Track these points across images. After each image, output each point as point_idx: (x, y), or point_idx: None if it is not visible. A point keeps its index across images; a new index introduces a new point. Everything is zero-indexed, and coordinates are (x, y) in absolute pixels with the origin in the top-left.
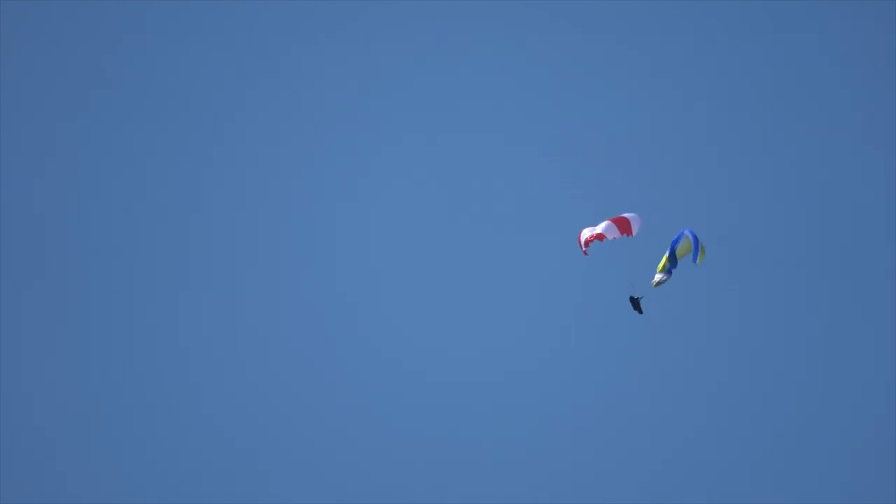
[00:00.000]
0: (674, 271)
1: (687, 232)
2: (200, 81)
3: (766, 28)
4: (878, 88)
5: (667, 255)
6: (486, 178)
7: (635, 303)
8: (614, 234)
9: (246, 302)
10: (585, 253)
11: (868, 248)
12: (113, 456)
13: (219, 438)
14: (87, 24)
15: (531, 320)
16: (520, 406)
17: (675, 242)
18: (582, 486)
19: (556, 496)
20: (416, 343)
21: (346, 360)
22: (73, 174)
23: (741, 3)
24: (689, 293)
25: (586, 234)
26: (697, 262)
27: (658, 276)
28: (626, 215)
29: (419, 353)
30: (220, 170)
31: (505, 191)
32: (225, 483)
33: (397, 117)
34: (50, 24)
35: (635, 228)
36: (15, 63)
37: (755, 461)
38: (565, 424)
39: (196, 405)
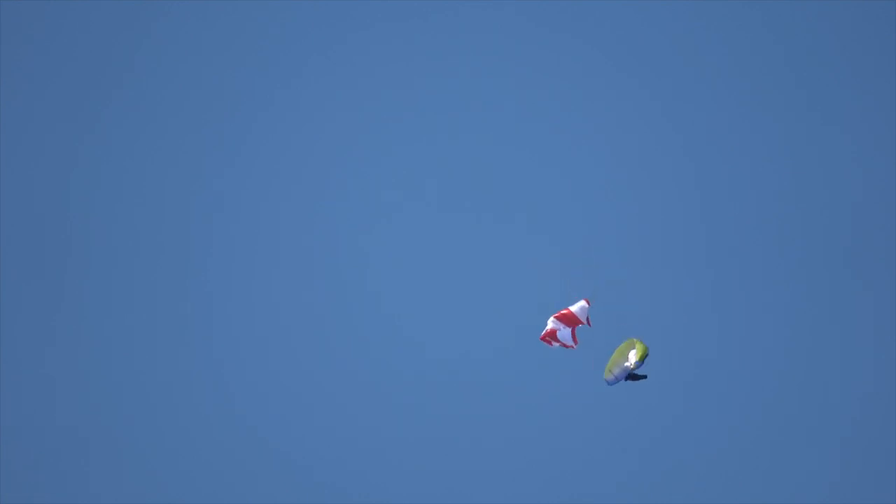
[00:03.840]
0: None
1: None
2: (201, 83)
3: (761, 28)
4: (877, 88)
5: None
6: (491, 181)
7: (634, 377)
8: (562, 326)
9: (249, 302)
10: (568, 344)
11: (866, 247)
12: (115, 456)
13: (221, 439)
14: (86, 25)
15: (533, 318)
16: (521, 405)
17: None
18: (581, 486)
19: (556, 495)
20: (420, 342)
21: (353, 361)
22: (74, 175)
23: (740, 4)
24: (687, 292)
25: (550, 326)
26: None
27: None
28: (571, 309)
29: (424, 352)
30: (224, 170)
31: (510, 191)
32: (227, 483)
33: (402, 118)
34: (50, 25)
35: (583, 317)
36: (16, 64)
37: (751, 459)
38: (564, 423)
39: (199, 405)
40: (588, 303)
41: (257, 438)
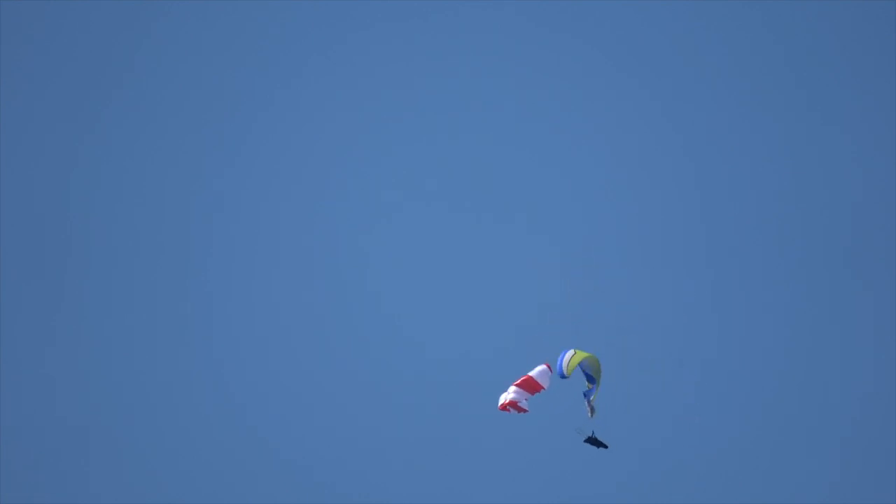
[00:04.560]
0: (593, 386)
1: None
2: (201, 83)
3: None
4: (877, 88)
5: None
6: (491, 181)
7: (594, 441)
8: (525, 397)
9: (249, 302)
10: (521, 410)
11: (866, 247)
12: (115, 456)
13: (221, 439)
14: (86, 25)
15: (533, 318)
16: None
17: (560, 365)
18: (581, 486)
19: (556, 496)
20: (420, 342)
21: (353, 361)
22: (74, 175)
23: (740, 4)
24: (687, 292)
25: (503, 400)
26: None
27: (588, 406)
28: (531, 374)
29: (424, 352)
30: (224, 170)
31: (510, 190)
32: (227, 483)
33: (403, 118)
34: (50, 25)
35: (545, 382)
36: (16, 64)
37: (751, 459)
38: (564, 423)
39: (199, 405)
40: (549, 368)
41: (257, 438)
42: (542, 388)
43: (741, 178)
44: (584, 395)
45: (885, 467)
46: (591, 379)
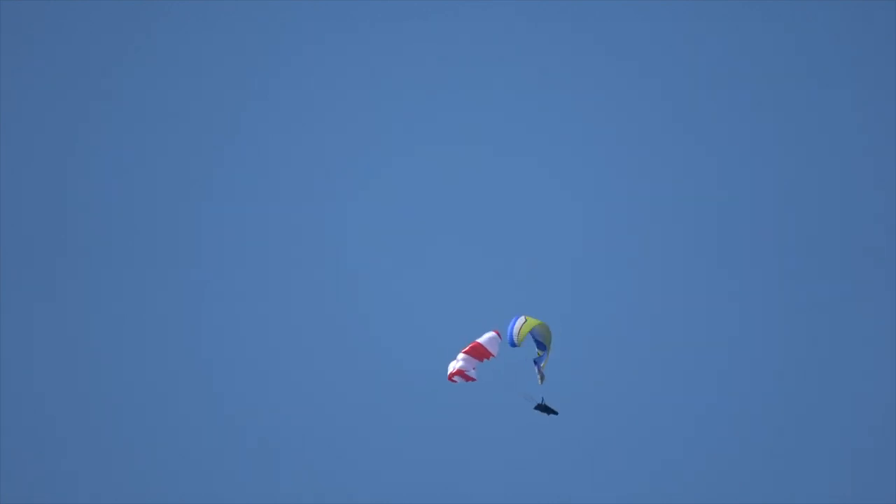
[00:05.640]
0: (545, 353)
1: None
2: (201, 83)
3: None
4: (877, 88)
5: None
6: (481, 182)
7: (544, 408)
8: (473, 364)
9: (250, 303)
10: (469, 377)
11: (868, 247)
12: (115, 456)
13: (221, 439)
14: (86, 25)
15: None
16: (522, 408)
17: (512, 330)
18: (583, 487)
19: (554, 496)
20: (417, 343)
21: (354, 362)
22: (74, 175)
23: (740, 4)
24: (686, 292)
25: (451, 368)
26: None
27: (538, 373)
28: (479, 340)
29: (421, 353)
30: (227, 170)
31: (501, 195)
32: (227, 483)
33: (401, 122)
34: (50, 25)
35: (494, 349)
36: (16, 64)
37: (752, 460)
38: (565, 426)
39: (199, 405)
40: (499, 335)
41: (257, 438)
42: (492, 355)
43: (743, 178)
44: (535, 363)
45: (885, 467)
46: (542, 346)
